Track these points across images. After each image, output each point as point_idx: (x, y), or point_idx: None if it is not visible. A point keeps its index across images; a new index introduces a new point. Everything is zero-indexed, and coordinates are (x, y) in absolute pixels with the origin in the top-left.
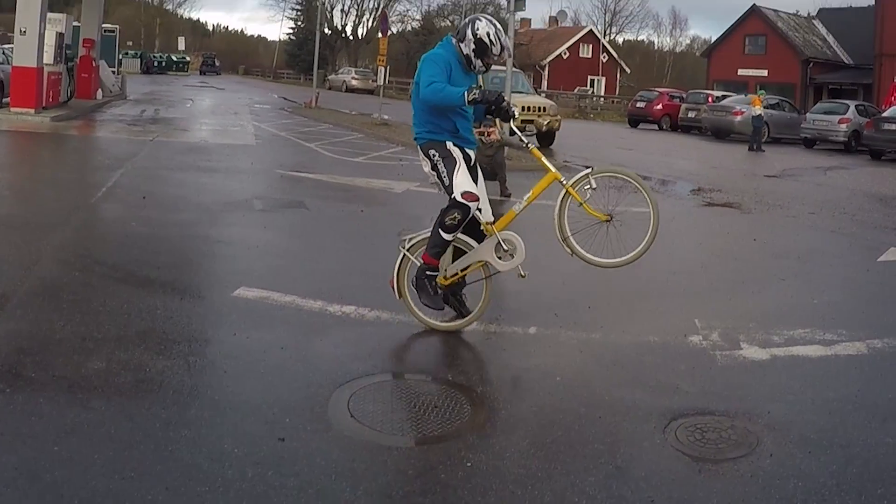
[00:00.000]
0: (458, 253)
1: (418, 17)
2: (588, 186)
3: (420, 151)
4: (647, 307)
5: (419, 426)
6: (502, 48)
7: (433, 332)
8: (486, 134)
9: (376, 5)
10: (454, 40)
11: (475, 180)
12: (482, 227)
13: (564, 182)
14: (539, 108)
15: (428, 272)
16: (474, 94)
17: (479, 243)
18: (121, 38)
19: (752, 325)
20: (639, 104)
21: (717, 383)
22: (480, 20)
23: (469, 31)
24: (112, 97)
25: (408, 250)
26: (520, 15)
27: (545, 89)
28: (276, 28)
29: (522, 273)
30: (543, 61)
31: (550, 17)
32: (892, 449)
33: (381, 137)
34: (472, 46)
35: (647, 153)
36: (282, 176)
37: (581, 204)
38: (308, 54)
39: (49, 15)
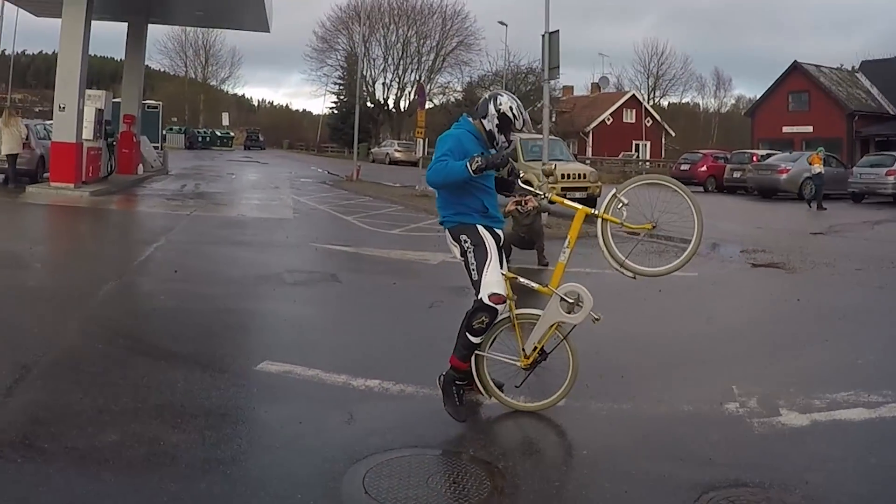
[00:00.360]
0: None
1: (459, 88)
2: (620, 206)
3: (449, 236)
4: (682, 375)
5: (435, 503)
6: (524, 122)
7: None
8: (523, 203)
9: (417, 78)
10: (473, 119)
11: (500, 261)
12: (536, 290)
13: (596, 212)
14: (579, 174)
15: (457, 378)
16: (477, 162)
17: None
18: (165, 114)
19: (792, 389)
20: (683, 167)
21: (752, 453)
22: (502, 95)
23: (492, 107)
24: (153, 172)
25: (480, 349)
26: (562, 83)
27: (589, 156)
28: (319, 102)
29: (597, 316)
30: (587, 128)
31: (593, 84)
32: None
33: (421, 209)
34: (496, 122)
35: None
36: (316, 249)
37: (622, 225)
38: (351, 128)
39: (88, 92)
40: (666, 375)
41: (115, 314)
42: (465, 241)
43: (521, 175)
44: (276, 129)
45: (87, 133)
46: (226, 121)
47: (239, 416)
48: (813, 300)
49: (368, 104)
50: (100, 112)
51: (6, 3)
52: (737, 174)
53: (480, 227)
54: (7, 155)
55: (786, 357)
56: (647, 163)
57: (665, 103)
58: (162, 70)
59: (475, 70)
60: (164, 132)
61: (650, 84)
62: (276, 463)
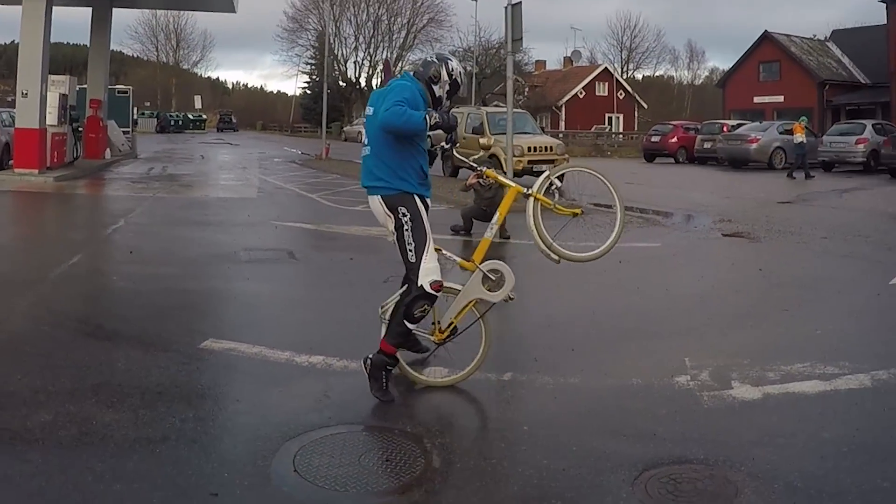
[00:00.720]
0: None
1: None
2: (553, 187)
3: (382, 206)
4: (635, 348)
5: (365, 481)
6: (464, 85)
7: (400, 383)
8: (483, 176)
9: (390, 55)
10: (421, 82)
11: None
12: (458, 264)
13: (529, 191)
14: (545, 147)
15: (387, 364)
16: (435, 117)
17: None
18: (137, 99)
19: (746, 361)
20: (653, 138)
21: (699, 428)
22: (452, 60)
23: (444, 72)
24: (121, 156)
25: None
26: (534, 57)
27: (563, 130)
28: (292, 83)
29: (512, 296)
30: (559, 102)
31: (565, 58)
32: (888, 495)
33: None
34: (447, 88)
35: (658, 187)
36: (276, 227)
37: (553, 206)
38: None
39: (52, 77)
40: (617, 348)
41: (64, 296)
42: (404, 215)
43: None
44: (249, 111)
45: (52, 119)
46: (198, 104)
47: (175, 394)
48: (776, 270)
49: (340, 83)
50: (63, 97)
51: None
52: (707, 145)
53: (417, 198)
54: None
55: (742, 328)
56: (620, 135)
57: (639, 76)
58: (134, 56)
59: (446, 46)
60: (135, 117)
61: (623, 57)
62: (207, 441)
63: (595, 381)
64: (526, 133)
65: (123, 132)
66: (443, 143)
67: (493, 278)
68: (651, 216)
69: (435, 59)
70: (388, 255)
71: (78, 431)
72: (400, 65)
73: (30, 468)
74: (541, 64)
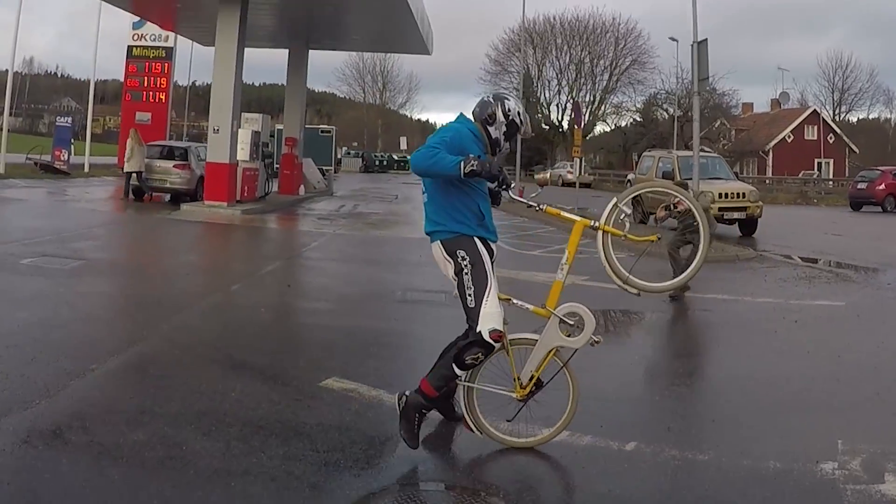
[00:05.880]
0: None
1: (633, 107)
2: (623, 216)
3: (441, 251)
4: (785, 422)
5: None
6: (526, 127)
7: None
8: (672, 205)
9: (592, 98)
10: (477, 123)
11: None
12: (532, 312)
13: (596, 224)
14: (737, 194)
15: (424, 405)
16: (472, 164)
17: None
18: (344, 139)
19: None
20: (860, 185)
21: None
22: (510, 99)
23: (500, 113)
24: (316, 193)
25: (468, 380)
26: (741, 99)
27: (769, 175)
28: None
29: (597, 339)
30: (766, 146)
31: (773, 100)
32: None
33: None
34: (504, 129)
35: (857, 238)
36: None
37: (624, 237)
38: (526, 150)
39: (245, 115)
40: (765, 422)
41: (207, 323)
42: (463, 258)
43: (513, 186)
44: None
45: (243, 154)
46: (403, 145)
47: (274, 429)
48: None
49: (543, 126)
50: (256, 134)
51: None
52: None
53: (478, 241)
54: (132, 172)
55: None
56: (830, 181)
57: (853, 119)
58: (343, 97)
59: (648, 88)
60: (339, 156)
61: (835, 99)
62: (284, 481)
63: (727, 459)
64: (718, 178)
65: (325, 170)
66: (498, 188)
67: (572, 322)
68: (841, 270)
69: (491, 99)
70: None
71: (165, 455)
72: (602, 108)
73: (104, 483)
74: (748, 107)
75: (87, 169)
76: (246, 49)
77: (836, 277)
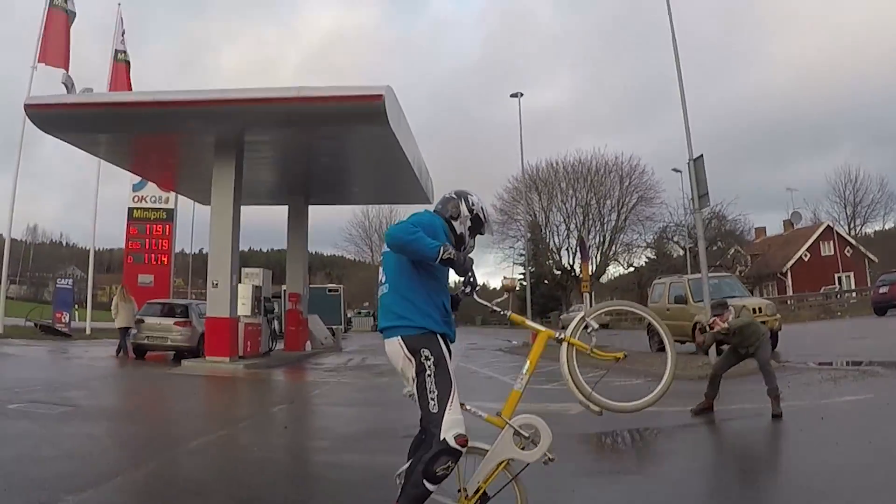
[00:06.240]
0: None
1: (643, 243)
2: (589, 330)
3: (403, 348)
4: None
5: None
6: (490, 226)
7: None
8: (723, 319)
9: (602, 239)
10: (442, 219)
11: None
12: (486, 420)
13: (561, 335)
14: (754, 309)
15: None
16: (450, 252)
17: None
18: (355, 300)
19: None
20: (881, 289)
21: None
22: (472, 195)
23: (464, 208)
24: (323, 349)
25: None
26: (753, 224)
27: (790, 295)
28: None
29: (551, 456)
30: (784, 268)
31: (785, 221)
32: None
33: (585, 364)
34: (468, 224)
35: (882, 338)
36: None
37: (590, 352)
38: (541, 297)
39: (246, 270)
40: None
41: (192, 460)
42: (427, 358)
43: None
44: (469, 307)
45: (244, 310)
46: None
47: None
48: None
49: (555, 272)
50: (257, 289)
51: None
52: None
53: (440, 338)
54: (120, 328)
55: None
56: (853, 293)
57: (870, 230)
58: (352, 258)
59: (656, 223)
60: (349, 315)
61: (848, 213)
62: None
63: None
64: (733, 297)
65: (333, 329)
66: (464, 289)
67: (527, 434)
68: (868, 367)
69: (453, 195)
70: (561, 430)
71: None
72: (613, 248)
73: None
74: (760, 231)
75: (88, 332)
76: (249, 209)
77: (863, 374)
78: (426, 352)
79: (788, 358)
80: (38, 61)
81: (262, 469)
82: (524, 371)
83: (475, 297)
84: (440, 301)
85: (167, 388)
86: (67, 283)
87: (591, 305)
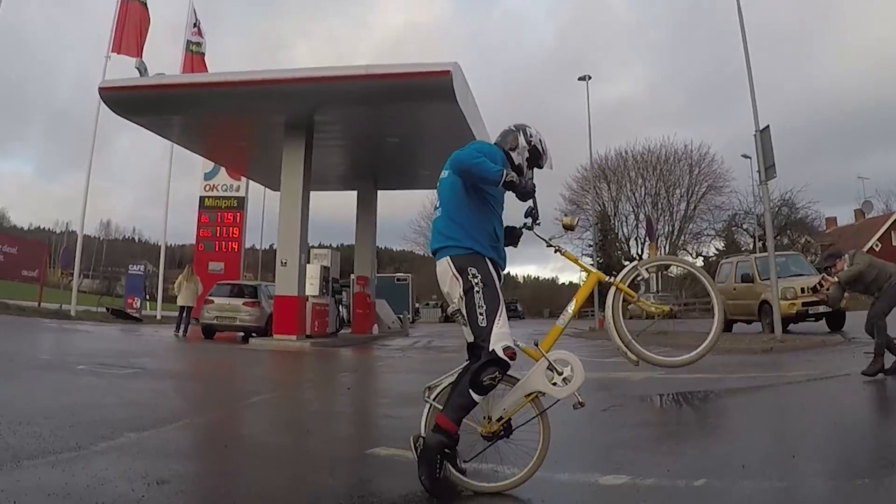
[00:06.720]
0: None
1: (712, 232)
2: (640, 279)
3: (451, 268)
4: None
5: None
6: (550, 159)
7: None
8: (835, 271)
9: (671, 229)
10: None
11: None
12: (522, 349)
13: (611, 279)
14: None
15: (445, 444)
16: (512, 175)
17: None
18: (423, 293)
19: None
20: None
21: None
22: (529, 126)
23: (522, 139)
24: (389, 333)
25: (435, 400)
26: (824, 214)
27: None
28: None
29: (581, 400)
30: None
31: (856, 211)
32: None
33: (646, 342)
34: (526, 155)
35: None
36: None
37: (636, 300)
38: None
39: (314, 250)
40: None
41: (252, 412)
42: (474, 276)
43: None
44: (538, 300)
45: (312, 290)
46: None
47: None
48: None
49: (624, 262)
50: (325, 269)
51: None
52: None
53: (488, 261)
54: (180, 306)
55: None
56: None
57: None
58: (422, 254)
59: (726, 211)
60: (417, 305)
61: None
62: None
63: None
64: (800, 275)
65: (400, 316)
66: (525, 222)
67: (560, 370)
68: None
69: (512, 128)
70: (620, 391)
71: None
72: (682, 237)
73: None
74: (831, 221)
75: (158, 318)
76: (319, 197)
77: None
78: (473, 270)
79: (854, 336)
80: (112, 51)
81: (320, 416)
82: (569, 309)
83: (535, 231)
84: (491, 227)
85: (233, 357)
86: (139, 269)
87: (657, 286)
